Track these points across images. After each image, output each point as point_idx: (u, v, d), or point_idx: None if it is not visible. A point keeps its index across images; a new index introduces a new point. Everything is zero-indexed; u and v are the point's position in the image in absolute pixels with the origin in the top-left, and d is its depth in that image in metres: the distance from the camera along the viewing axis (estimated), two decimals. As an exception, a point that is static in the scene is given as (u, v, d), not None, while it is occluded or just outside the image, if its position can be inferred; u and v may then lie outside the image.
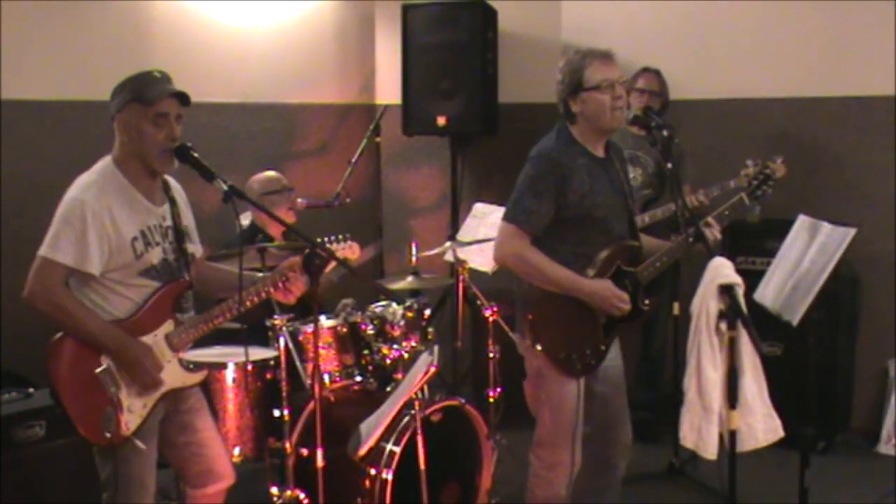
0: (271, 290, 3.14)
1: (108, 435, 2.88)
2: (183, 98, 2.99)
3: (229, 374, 3.73)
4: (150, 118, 2.92)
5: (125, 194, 2.97)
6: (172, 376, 3.05)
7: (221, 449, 3.28)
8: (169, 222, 3.08)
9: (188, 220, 3.21)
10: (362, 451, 3.33)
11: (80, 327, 2.89)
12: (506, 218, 3.27)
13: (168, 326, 3.04)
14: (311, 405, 3.55)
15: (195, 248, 3.22)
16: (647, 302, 3.35)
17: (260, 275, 3.21)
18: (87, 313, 2.91)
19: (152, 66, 4.69)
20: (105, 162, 3.01)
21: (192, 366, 3.12)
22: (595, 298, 3.23)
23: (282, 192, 4.50)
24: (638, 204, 4.66)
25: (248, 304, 3.11)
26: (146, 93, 2.93)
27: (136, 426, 2.96)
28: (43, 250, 2.87)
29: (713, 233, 3.33)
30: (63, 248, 2.84)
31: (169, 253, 3.06)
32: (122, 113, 2.95)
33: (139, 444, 2.94)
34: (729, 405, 3.06)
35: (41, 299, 2.86)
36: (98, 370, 2.90)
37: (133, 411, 2.95)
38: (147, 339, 3.00)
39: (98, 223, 2.86)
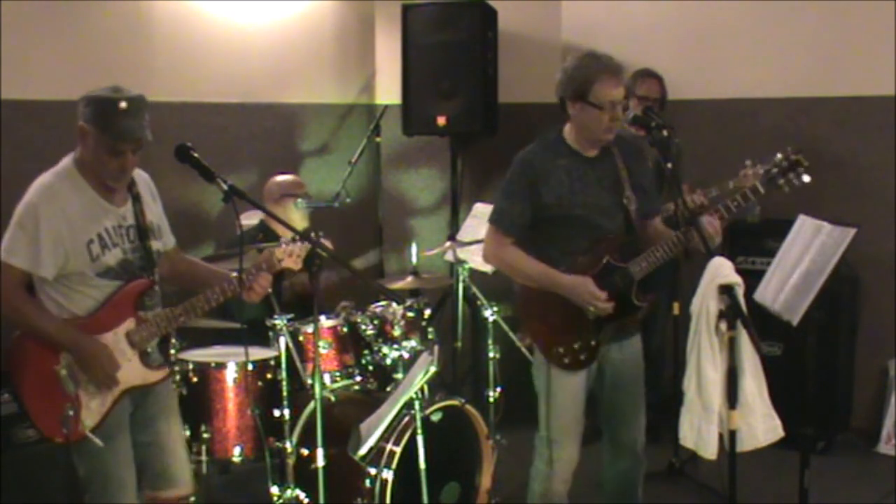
0: (237, 288, 3.12)
1: (64, 431, 2.91)
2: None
3: (229, 374, 3.73)
4: (106, 147, 2.90)
5: (82, 196, 2.96)
6: (133, 374, 3.05)
7: (182, 456, 3.28)
8: (131, 221, 3.06)
9: (154, 214, 3.17)
10: (362, 451, 3.33)
11: (34, 327, 2.93)
12: (488, 220, 3.44)
13: (129, 324, 3.03)
14: (311, 405, 3.55)
15: (162, 243, 3.20)
16: (642, 298, 3.35)
17: (234, 274, 3.18)
18: (41, 314, 2.94)
19: (152, 66, 4.76)
20: (66, 162, 3.01)
21: (156, 364, 3.14)
22: (572, 293, 3.27)
23: (299, 197, 4.50)
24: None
25: (213, 303, 3.10)
26: (107, 125, 2.88)
27: (94, 423, 2.97)
28: None
29: (714, 225, 3.23)
30: (17, 251, 2.88)
31: (129, 253, 3.04)
32: (82, 125, 2.92)
33: (97, 440, 2.95)
34: (729, 405, 3.06)
35: None
36: (56, 367, 2.93)
37: (91, 409, 2.97)
38: (107, 336, 3.00)
39: (52, 228, 2.88)
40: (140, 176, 3.15)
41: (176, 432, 3.27)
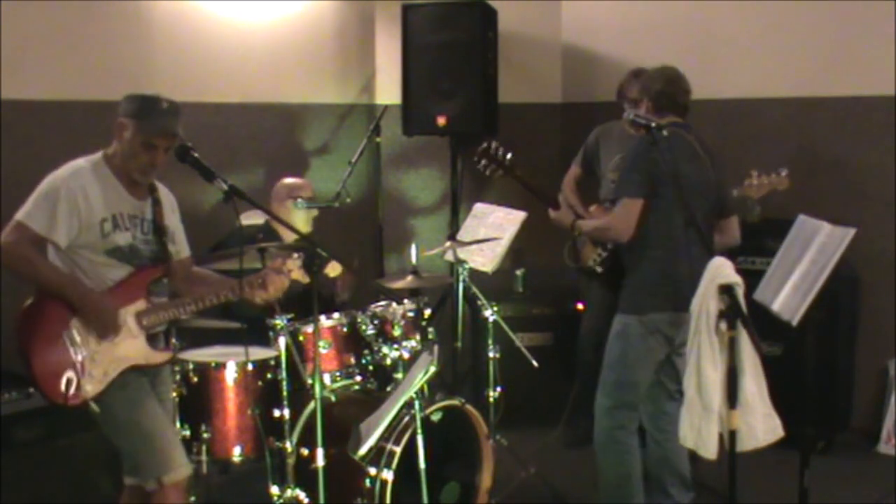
0: (246, 288, 3.30)
1: (63, 394, 3.04)
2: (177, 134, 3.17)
3: (229, 373, 3.72)
4: (141, 141, 3.12)
5: (105, 181, 3.16)
6: (137, 352, 3.18)
7: (176, 438, 3.37)
8: (148, 216, 3.25)
9: (172, 222, 3.36)
10: (362, 451, 3.33)
11: (42, 278, 3.08)
12: None
13: (139, 305, 3.18)
14: (311, 405, 3.55)
15: (175, 250, 3.37)
16: None
17: (248, 277, 3.33)
18: (49, 265, 3.11)
19: (152, 66, 4.76)
20: (97, 154, 3.21)
21: (160, 347, 3.28)
22: None
23: (303, 199, 4.48)
24: None
25: (221, 299, 3.28)
26: (146, 119, 3.12)
27: (95, 392, 3.09)
28: (18, 215, 3.08)
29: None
30: (35, 216, 3.06)
31: (139, 241, 3.22)
32: (122, 120, 3.14)
33: (95, 407, 3.09)
34: (729, 405, 3.06)
35: (7, 253, 3.05)
36: (64, 332, 3.06)
37: (94, 377, 3.09)
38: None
39: (70, 200, 3.07)
40: (163, 189, 3.35)
41: (169, 420, 3.43)
